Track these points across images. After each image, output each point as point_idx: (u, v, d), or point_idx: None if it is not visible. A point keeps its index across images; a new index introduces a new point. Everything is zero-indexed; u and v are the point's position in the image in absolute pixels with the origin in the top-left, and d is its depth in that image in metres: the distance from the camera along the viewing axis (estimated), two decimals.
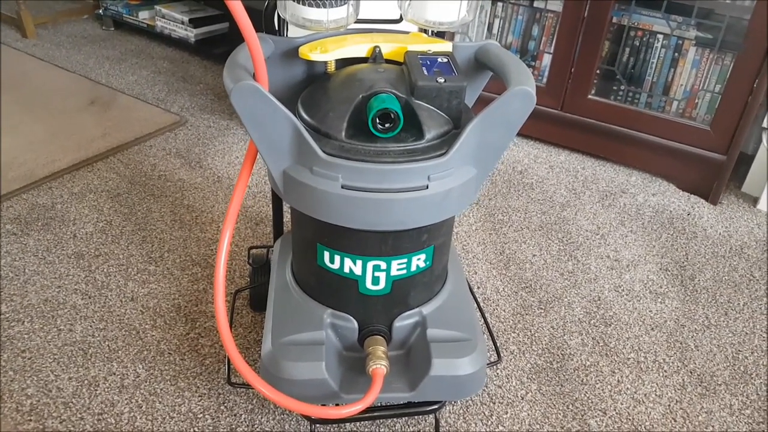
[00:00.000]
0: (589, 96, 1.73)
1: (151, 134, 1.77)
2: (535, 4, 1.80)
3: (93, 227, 1.38)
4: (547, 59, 1.82)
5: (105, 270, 1.26)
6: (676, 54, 1.67)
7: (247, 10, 0.64)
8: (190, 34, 2.27)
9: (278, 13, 0.82)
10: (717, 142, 1.59)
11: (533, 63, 1.87)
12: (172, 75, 2.18)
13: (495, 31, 1.92)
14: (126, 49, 2.38)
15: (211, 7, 2.41)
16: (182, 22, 2.28)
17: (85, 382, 1.02)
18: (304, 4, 0.74)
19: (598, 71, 1.73)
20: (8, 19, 2.52)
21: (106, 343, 1.10)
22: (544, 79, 1.79)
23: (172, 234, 1.37)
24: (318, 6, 0.74)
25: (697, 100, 1.69)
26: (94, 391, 1.01)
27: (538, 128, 1.82)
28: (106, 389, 1.01)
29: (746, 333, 1.22)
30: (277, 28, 0.91)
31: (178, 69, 2.23)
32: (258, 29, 0.71)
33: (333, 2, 0.74)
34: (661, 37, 1.67)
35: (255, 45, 0.68)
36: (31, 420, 0.95)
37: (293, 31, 0.86)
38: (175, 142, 1.74)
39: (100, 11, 2.55)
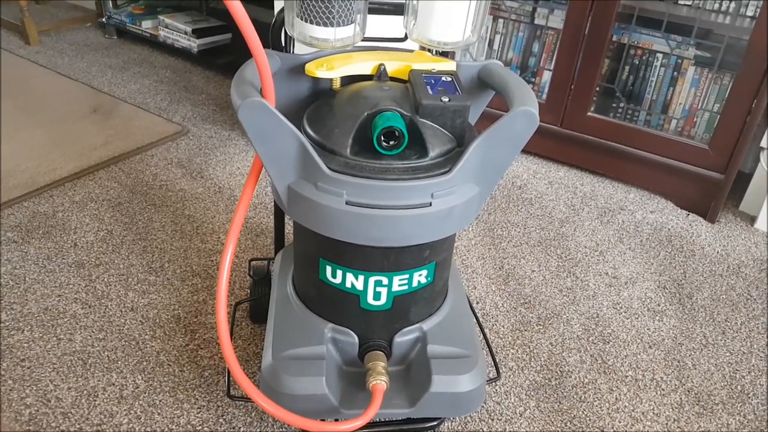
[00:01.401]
0: (589, 113, 1.74)
1: (152, 143, 1.78)
2: (536, 21, 1.82)
3: (94, 236, 1.38)
4: (547, 76, 1.84)
5: (105, 279, 1.26)
6: (676, 73, 1.69)
7: (254, 23, 0.65)
8: (193, 44, 2.29)
9: (285, 31, 0.83)
10: (715, 161, 1.61)
11: (533, 79, 1.88)
12: (174, 85, 2.19)
13: (496, 47, 1.93)
14: (129, 58, 2.39)
15: (214, 17, 2.42)
16: (185, 33, 2.30)
17: (84, 392, 1.02)
18: (311, 23, 0.75)
19: (597, 88, 1.74)
20: (12, 26, 2.53)
21: (106, 353, 1.10)
22: (544, 96, 1.81)
23: (173, 244, 1.38)
24: (326, 25, 0.75)
25: (695, 119, 1.70)
26: (93, 402, 1.01)
27: (538, 144, 1.83)
28: (105, 400, 1.01)
29: (743, 352, 1.23)
30: (283, 45, 0.92)
31: (181, 79, 2.24)
32: (265, 45, 0.72)
33: (340, 21, 0.75)
34: (660, 55, 1.69)
35: (263, 61, 0.69)
36: (29, 430, 0.95)
37: (299, 48, 0.87)
38: (176, 151, 1.75)
39: (104, 20, 2.57)
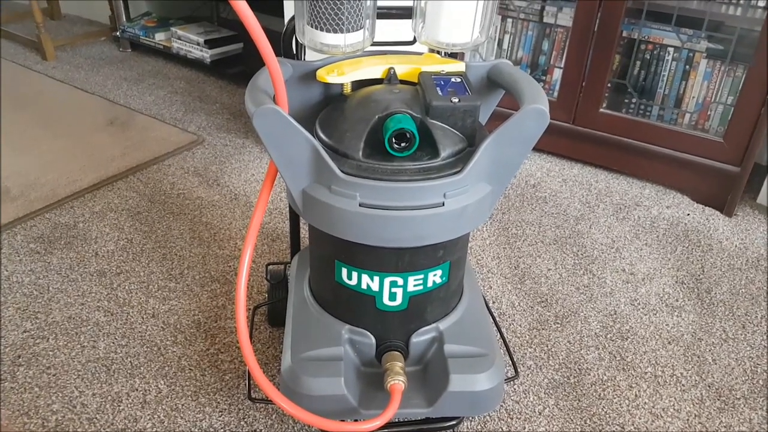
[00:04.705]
0: (601, 109, 1.74)
1: (169, 153, 1.80)
2: (545, 20, 1.82)
3: (114, 245, 1.41)
4: (557, 73, 1.84)
5: (126, 287, 1.28)
6: (688, 66, 1.68)
7: (266, 32, 0.67)
8: (206, 54, 2.32)
9: (296, 38, 0.84)
10: (731, 154, 1.59)
11: (544, 77, 1.88)
12: (188, 95, 2.22)
13: (505, 46, 1.94)
14: (143, 70, 2.43)
15: (225, 28, 2.45)
16: (198, 43, 2.33)
17: (109, 398, 1.04)
18: (322, 30, 0.77)
19: (609, 84, 1.74)
20: (28, 42, 2.58)
21: (129, 359, 1.12)
22: (555, 93, 1.81)
23: (192, 251, 1.40)
24: (335, 31, 0.77)
25: (709, 112, 1.69)
26: (117, 407, 1.03)
27: (551, 142, 1.83)
28: (129, 405, 1.03)
29: (764, 346, 1.22)
30: (295, 52, 0.94)
31: (195, 89, 2.27)
32: (277, 54, 0.73)
33: (350, 27, 0.77)
34: (671, 50, 1.68)
35: (275, 69, 0.70)
36: None
37: (310, 55, 0.89)
38: (192, 160, 1.78)
39: (118, 33, 2.61)
